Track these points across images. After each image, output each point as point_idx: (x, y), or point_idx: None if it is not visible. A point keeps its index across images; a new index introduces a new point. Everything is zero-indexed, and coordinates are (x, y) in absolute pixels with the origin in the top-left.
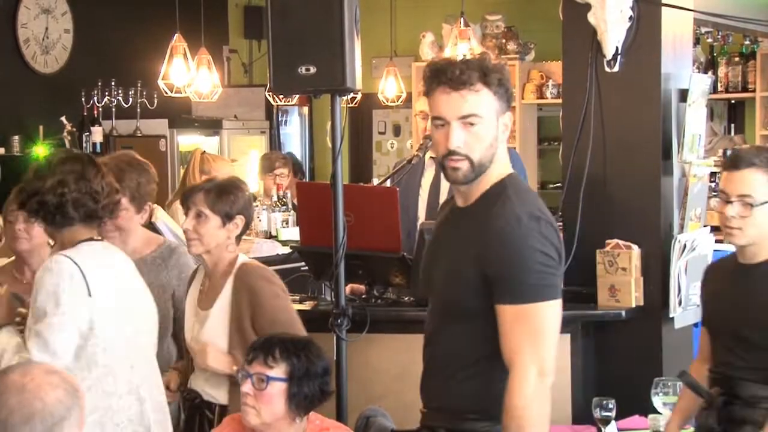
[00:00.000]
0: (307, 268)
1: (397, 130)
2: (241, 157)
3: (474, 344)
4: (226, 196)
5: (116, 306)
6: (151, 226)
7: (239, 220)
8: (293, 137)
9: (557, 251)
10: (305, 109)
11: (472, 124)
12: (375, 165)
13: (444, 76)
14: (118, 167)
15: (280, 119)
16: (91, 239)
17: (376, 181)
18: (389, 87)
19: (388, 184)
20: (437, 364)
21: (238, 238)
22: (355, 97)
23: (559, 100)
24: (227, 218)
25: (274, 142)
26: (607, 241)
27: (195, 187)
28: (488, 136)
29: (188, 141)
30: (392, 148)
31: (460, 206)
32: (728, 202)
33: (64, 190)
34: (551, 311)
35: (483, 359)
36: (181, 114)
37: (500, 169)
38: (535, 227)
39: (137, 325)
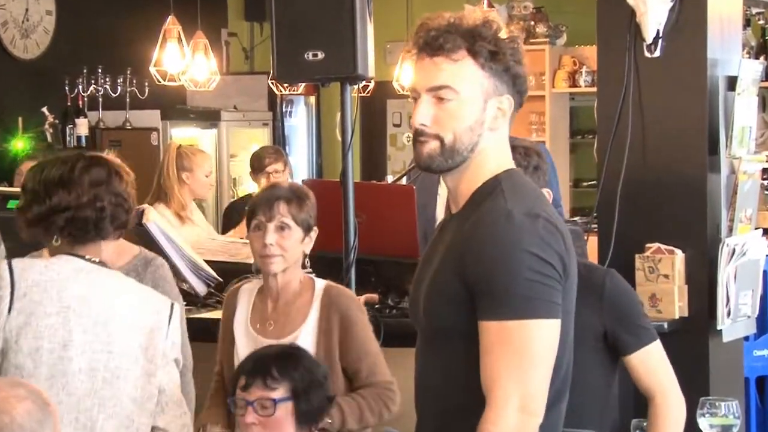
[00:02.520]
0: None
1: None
2: (242, 152)
3: (466, 379)
4: (306, 204)
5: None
6: (137, 228)
7: (314, 233)
8: (299, 130)
9: (561, 260)
10: (312, 99)
11: (442, 98)
12: (389, 161)
13: (421, 39)
14: None
15: (284, 110)
16: (81, 257)
17: (390, 179)
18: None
19: (403, 181)
20: (428, 407)
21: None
22: (368, 86)
23: (594, 89)
24: (308, 230)
25: (278, 136)
26: (647, 245)
27: (268, 195)
28: (467, 117)
29: (183, 134)
30: (408, 141)
31: (452, 212)
32: None
33: (103, 203)
34: (545, 333)
35: (479, 399)
36: (175, 104)
37: (495, 163)
38: (530, 226)
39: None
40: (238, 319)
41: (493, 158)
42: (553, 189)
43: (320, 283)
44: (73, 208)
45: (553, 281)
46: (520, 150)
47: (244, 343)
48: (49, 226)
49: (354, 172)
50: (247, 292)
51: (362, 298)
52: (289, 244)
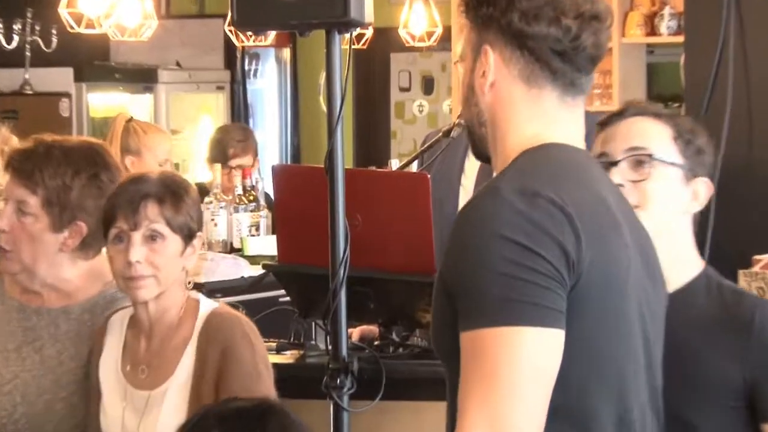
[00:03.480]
0: (288, 298)
1: (428, 85)
2: (187, 126)
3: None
4: (184, 201)
5: None
6: None
7: (199, 240)
8: (267, 96)
9: (564, 253)
10: (286, 53)
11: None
12: (394, 139)
13: None
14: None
15: (247, 68)
16: None
17: (395, 164)
18: (416, 19)
19: (414, 168)
20: None
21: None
22: (364, 35)
23: (680, 38)
24: (189, 237)
25: (238, 104)
26: (755, 257)
27: (130, 191)
28: (461, 86)
29: (105, 101)
30: (421, 112)
31: None
32: None
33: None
34: (529, 347)
35: None
36: (93, 60)
37: (521, 137)
38: (517, 205)
39: None
40: (106, 360)
41: (513, 132)
42: None
43: (205, 309)
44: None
45: (547, 279)
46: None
47: (112, 394)
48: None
49: (345, 156)
50: (117, 323)
51: (355, 331)
52: (163, 259)
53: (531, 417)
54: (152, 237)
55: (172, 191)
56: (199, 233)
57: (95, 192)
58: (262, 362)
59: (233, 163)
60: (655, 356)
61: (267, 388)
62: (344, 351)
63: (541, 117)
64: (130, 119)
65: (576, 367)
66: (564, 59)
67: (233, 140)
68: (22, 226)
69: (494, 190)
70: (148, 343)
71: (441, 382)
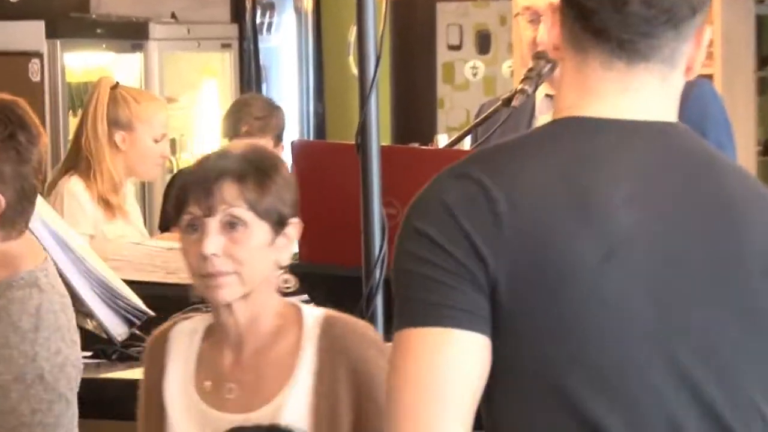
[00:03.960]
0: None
1: (483, 43)
2: (185, 93)
3: None
4: (274, 180)
5: None
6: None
7: (294, 228)
8: (284, 56)
9: (469, 242)
10: (307, 3)
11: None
12: (441, 109)
13: None
14: None
15: (259, 22)
16: None
17: (443, 140)
18: None
19: (467, 145)
20: None
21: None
22: None
23: None
24: (280, 225)
25: (248, 66)
26: None
27: (206, 168)
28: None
29: (84, 63)
30: (474, 76)
31: None
32: None
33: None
34: (417, 353)
35: None
36: (69, 12)
37: (556, 115)
38: (442, 187)
39: None
40: (172, 381)
41: (556, 104)
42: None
43: (312, 315)
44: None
45: (445, 273)
46: None
47: (186, 421)
48: None
49: (381, 130)
50: (184, 337)
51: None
52: (247, 252)
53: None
54: (231, 224)
55: (256, 168)
56: (293, 220)
57: (13, 155)
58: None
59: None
60: (698, 351)
61: None
62: None
63: (579, 86)
64: (116, 85)
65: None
66: (604, 17)
67: (250, 115)
68: None
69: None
70: (236, 357)
71: None
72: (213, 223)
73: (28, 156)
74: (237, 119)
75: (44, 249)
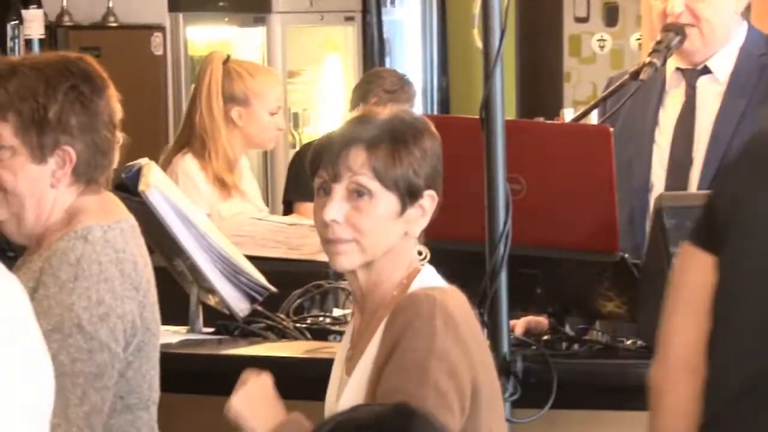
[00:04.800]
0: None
1: (611, 15)
2: (308, 68)
3: None
4: (410, 149)
5: None
6: (128, 200)
7: (430, 201)
8: (408, 29)
9: None
10: None
11: None
12: (568, 83)
13: None
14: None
15: None
16: None
17: (569, 115)
18: None
19: (593, 119)
20: None
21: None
22: None
23: None
24: (413, 197)
25: (371, 40)
26: None
27: (340, 134)
28: None
29: (207, 37)
30: (602, 48)
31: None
32: None
33: None
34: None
35: None
36: None
37: None
38: None
39: None
40: (342, 344)
41: None
42: None
43: (414, 287)
44: None
45: None
46: None
47: (331, 386)
48: None
49: (506, 104)
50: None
51: (518, 323)
52: (370, 221)
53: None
54: (357, 192)
55: (392, 136)
56: (429, 192)
57: (78, 108)
58: (441, 359)
59: None
60: None
61: (430, 392)
62: (505, 348)
63: None
64: (227, 59)
65: None
66: None
67: (381, 87)
68: (1, 163)
69: None
70: (359, 322)
71: (625, 387)
72: (338, 189)
73: (94, 108)
74: (367, 90)
75: (165, 224)
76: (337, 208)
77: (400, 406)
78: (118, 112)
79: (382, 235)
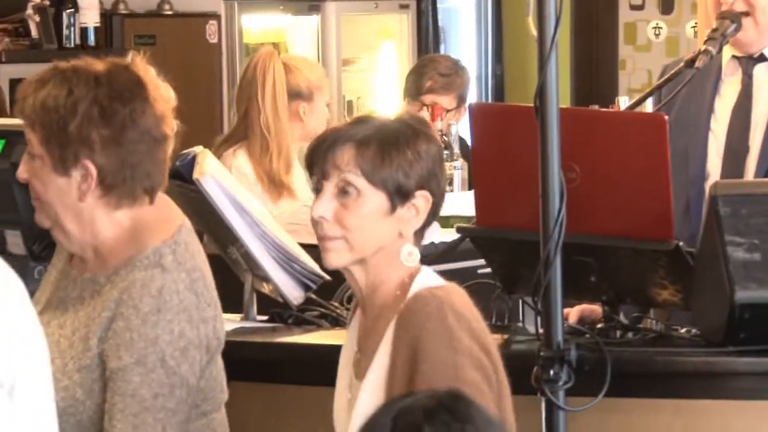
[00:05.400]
0: (490, 269)
1: (666, 2)
2: (363, 55)
3: None
4: (402, 149)
5: None
6: (182, 188)
7: (422, 201)
8: (463, 17)
9: None
10: None
11: None
12: (623, 70)
13: None
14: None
15: None
16: None
17: (624, 102)
18: None
19: (649, 107)
20: None
21: (419, 235)
22: None
23: None
24: (403, 197)
25: (426, 28)
26: None
27: (330, 133)
28: None
29: (262, 25)
30: (657, 36)
31: None
32: None
33: None
34: None
35: None
36: None
37: None
38: None
39: None
40: (347, 343)
41: None
42: None
43: (416, 287)
44: None
45: None
46: None
47: (340, 384)
48: None
49: (561, 92)
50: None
51: (572, 311)
52: (357, 219)
53: None
54: (345, 190)
55: (383, 136)
56: (421, 192)
57: (99, 122)
58: (465, 354)
59: (427, 99)
60: None
61: (470, 385)
62: (559, 336)
63: None
64: (279, 54)
65: None
66: None
67: (435, 71)
68: (34, 171)
69: None
70: (363, 323)
71: (679, 375)
72: (328, 187)
73: (119, 122)
74: (421, 74)
75: (219, 212)
76: (325, 205)
77: (454, 391)
78: (162, 122)
79: (370, 234)
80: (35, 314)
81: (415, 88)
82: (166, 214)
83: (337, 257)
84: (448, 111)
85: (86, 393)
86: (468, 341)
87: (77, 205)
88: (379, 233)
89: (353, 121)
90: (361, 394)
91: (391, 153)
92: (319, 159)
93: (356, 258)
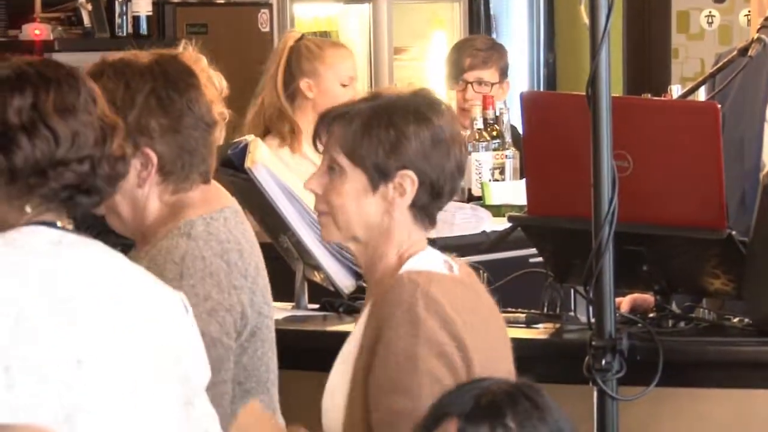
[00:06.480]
0: (541, 258)
1: None
2: (414, 44)
3: None
4: (383, 130)
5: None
6: (233, 177)
7: (408, 181)
8: (513, 5)
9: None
10: None
11: None
12: (676, 59)
13: None
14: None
15: None
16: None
17: (677, 91)
18: None
19: (701, 95)
20: None
21: (429, 216)
22: None
23: None
24: (383, 176)
25: (477, 16)
26: None
27: (334, 109)
28: None
29: (313, 13)
30: (710, 24)
31: None
32: None
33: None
34: None
35: None
36: None
37: None
38: None
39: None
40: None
41: None
42: None
43: (404, 269)
44: None
45: None
46: None
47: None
48: None
49: (613, 80)
50: None
51: (624, 301)
52: (339, 198)
53: None
54: (331, 167)
55: (373, 113)
56: (406, 172)
57: (158, 111)
58: (428, 343)
59: (470, 76)
60: None
61: (425, 379)
62: (611, 325)
63: None
64: (301, 37)
65: None
66: None
67: (472, 48)
68: None
69: None
70: (367, 302)
71: (731, 365)
72: (323, 163)
73: (176, 110)
74: (460, 54)
75: (271, 201)
76: (317, 180)
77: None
78: (213, 108)
79: (353, 212)
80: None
81: (456, 68)
82: (212, 196)
83: (326, 233)
84: (492, 85)
85: None
86: (435, 330)
87: (135, 191)
88: (363, 212)
89: (365, 96)
90: (332, 372)
91: (372, 131)
92: (319, 133)
93: (346, 235)
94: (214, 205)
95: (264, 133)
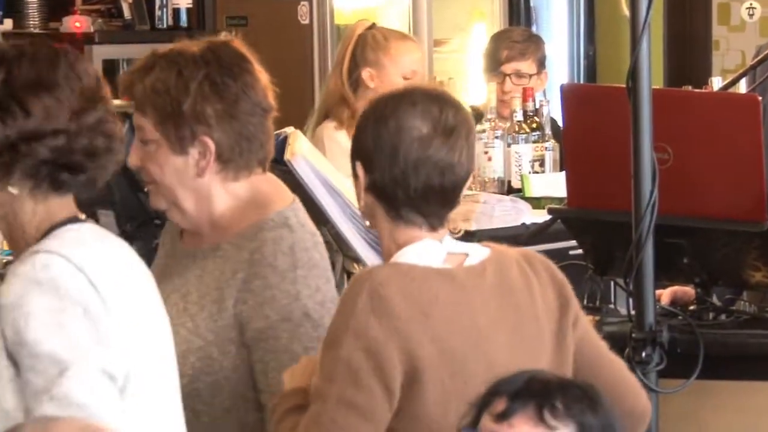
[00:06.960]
0: (581, 250)
1: None
2: (455, 36)
3: None
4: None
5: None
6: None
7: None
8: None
9: None
10: None
11: None
12: (717, 51)
13: None
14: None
15: None
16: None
17: (718, 83)
18: None
19: (742, 87)
20: None
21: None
22: None
23: None
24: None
25: (518, 8)
26: None
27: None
28: None
29: (353, 5)
30: (751, 16)
31: None
32: None
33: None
34: None
35: None
36: None
37: None
38: None
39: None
40: None
41: None
42: None
43: (395, 258)
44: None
45: None
46: None
47: None
48: None
49: (653, 72)
50: None
51: (665, 293)
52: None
53: None
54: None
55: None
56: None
57: (213, 98)
58: (355, 335)
59: (507, 68)
60: None
61: (340, 368)
62: (651, 317)
63: None
64: (372, 26)
65: None
66: None
67: (509, 40)
68: (148, 156)
69: None
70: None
71: None
72: None
73: (231, 96)
74: (497, 46)
75: (311, 193)
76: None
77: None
78: (267, 94)
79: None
80: (158, 297)
81: (494, 60)
82: (280, 185)
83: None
84: (530, 76)
85: (222, 353)
86: (371, 323)
87: (195, 182)
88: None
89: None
90: None
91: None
92: None
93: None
94: (287, 193)
95: (324, 117)
